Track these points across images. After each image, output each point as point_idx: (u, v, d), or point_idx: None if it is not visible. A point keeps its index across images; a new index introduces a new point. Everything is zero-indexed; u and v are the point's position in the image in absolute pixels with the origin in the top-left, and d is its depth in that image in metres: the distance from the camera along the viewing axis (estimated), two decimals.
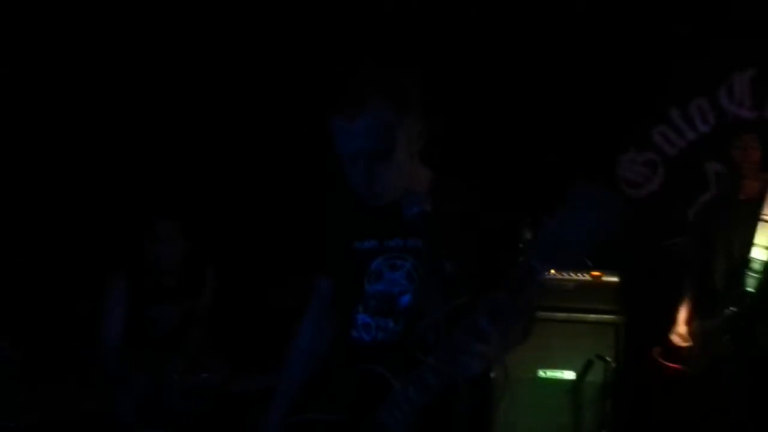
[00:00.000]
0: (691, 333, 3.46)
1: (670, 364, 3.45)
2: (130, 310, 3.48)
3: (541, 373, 3.57)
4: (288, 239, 4.14)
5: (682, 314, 3.51)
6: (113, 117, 4.11)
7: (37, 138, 3.93)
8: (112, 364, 3.39)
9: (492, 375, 2.01)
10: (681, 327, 3.49)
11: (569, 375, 3.55)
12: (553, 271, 3.65)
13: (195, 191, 4.19)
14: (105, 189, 4.13)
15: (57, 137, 3.99)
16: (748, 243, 3.36)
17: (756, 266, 3.32)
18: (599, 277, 3.65)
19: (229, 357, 3.44)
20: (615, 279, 3.65)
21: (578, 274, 3.66)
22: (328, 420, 1.90)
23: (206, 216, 4.07)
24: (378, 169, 1.82)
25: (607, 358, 3.48)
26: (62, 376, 3.16)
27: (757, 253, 3.33)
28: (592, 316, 3.60)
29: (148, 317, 3.51)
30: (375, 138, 1.80)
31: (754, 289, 3.31)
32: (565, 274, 3.65)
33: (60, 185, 4.02)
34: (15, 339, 3.45)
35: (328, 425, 1.90)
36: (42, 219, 3.97)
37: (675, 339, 3.48)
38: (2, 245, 3.82)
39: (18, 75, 3.82)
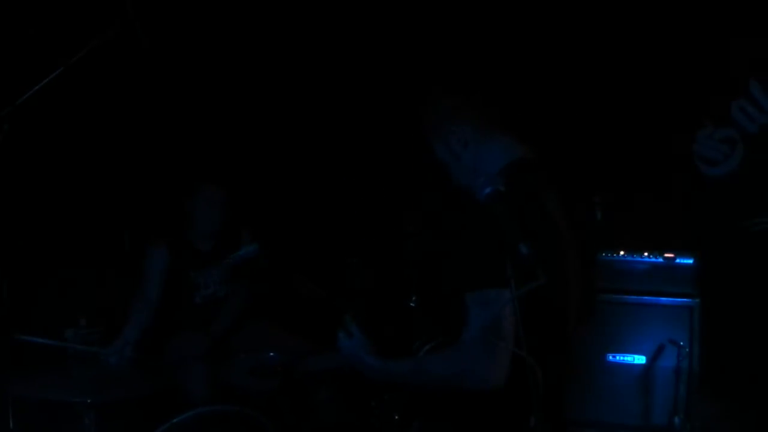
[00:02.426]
0: None
1: None
2: (171, 275, 3.59)
3: (610, 357, 3.49)
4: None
5: None
6: (160, 90, 4.13)
7: (94, 109, 3.99)
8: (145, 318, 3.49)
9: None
10: None
11: (640, 359, 3.47)
12: (623, 253, 3.56)
13: (236, 159, 4.24)
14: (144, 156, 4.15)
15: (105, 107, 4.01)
16: None
17: None
18: (673, 258, 3.54)
19: (301, 336, 3.50)
20: (689, 261, 3.53)
21: (651, 256, 3.55)
22: None
23: (251, 187, 4.13)
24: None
25: (681, 343, 3.38)
26: (136, 354, 3.25)
27: None
28: (665, 299, 3.49)
29: (190, 282, 3.61)
30: None
31: None
32: (636, 256, 3.55)
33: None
34: (93, 318, 3.58)
35: None
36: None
37: None
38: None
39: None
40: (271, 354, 3.08)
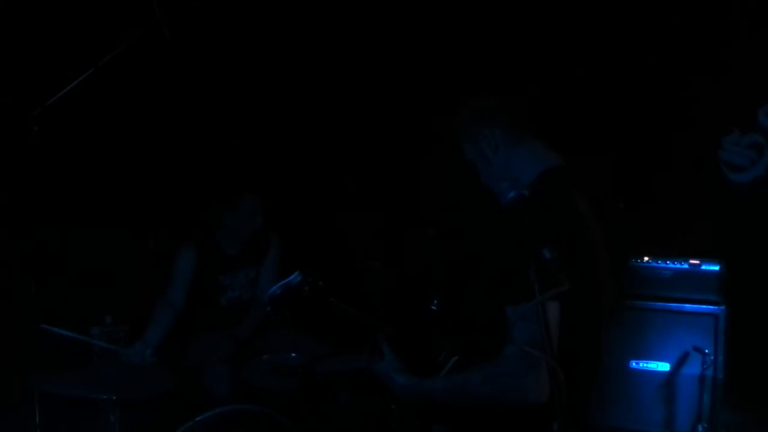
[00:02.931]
0: None
1: None
2: (198, 277, 3.61)
3: (633, 364, 3.46)
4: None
5: None
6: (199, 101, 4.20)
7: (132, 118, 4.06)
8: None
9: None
10: None
11: (663, 366, 3.43)
12: (648, 259, 3.53)
13: (269, 164, 4.28)
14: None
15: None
16: None
17: None
18: (698, 265, 3.50)
19: (322, 337, 3.51)
20: (715, 268, 3.49)
21: (676, 262, 3.52)
22: None
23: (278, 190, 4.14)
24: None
25: (706, 350, 3.35)
26: (157, 358, 3.29)
27: None
28: (690, 306, 3.46)
29: (217, 284, 3.63)
30: None
31: None
32: (662, 263, 3.52)
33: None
34: (119, 315, 3.61)
35: None
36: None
37: None
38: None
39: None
40: (293, 355, 3.09)
